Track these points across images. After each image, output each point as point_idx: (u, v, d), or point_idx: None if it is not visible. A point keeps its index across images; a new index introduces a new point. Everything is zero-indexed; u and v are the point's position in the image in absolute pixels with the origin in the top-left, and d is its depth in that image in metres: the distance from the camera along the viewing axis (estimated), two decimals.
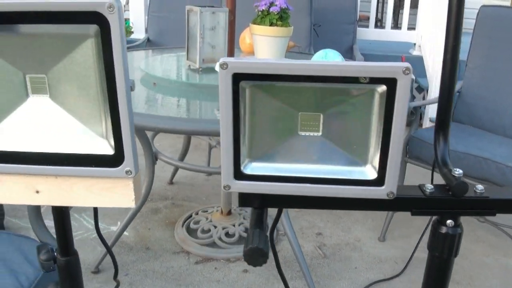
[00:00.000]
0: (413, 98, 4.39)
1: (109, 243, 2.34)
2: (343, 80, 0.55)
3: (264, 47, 2.19)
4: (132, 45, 3.88)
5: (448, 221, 0.65)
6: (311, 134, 0.59)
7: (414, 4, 4.62)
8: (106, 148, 0.62)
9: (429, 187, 0.66)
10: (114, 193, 0.65)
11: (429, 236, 0.71)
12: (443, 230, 0.66)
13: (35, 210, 1.57)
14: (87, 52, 0.58)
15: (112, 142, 0.61)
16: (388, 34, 4.74)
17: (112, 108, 0.59)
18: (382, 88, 0.55)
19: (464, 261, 2.38)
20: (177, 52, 2.62)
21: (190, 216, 2.65)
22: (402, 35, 4.69)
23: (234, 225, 2.51)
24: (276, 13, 2.12)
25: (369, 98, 0.57)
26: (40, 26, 0.58)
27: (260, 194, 0.63)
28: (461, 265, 2.35)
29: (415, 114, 2.40)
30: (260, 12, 2.17)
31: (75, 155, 0.63)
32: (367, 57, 4.46)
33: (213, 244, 2.41)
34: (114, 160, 0.62)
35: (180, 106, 1.76)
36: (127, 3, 5.30)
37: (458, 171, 0.64)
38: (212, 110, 1.76)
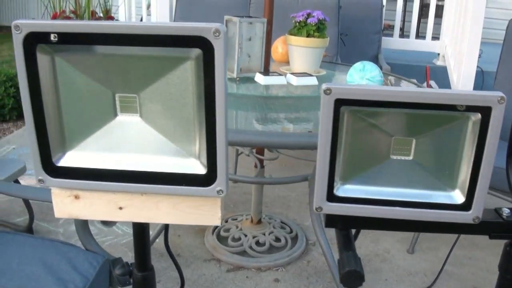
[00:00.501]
0: None
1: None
2: (439, 107, 0.56)
3: (300, 57, 2.21)
4: None
5: None
6: (403, 158, 0.61)
7: (438, 14, 4.62)
8: (198, 167, 0.64)
9: (505, 211, 0.67)
10: (201, 210, 0.67)
11: (500, 257, 0.72)
12: None
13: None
14: (185, 74, 0.60)
15: (205, 162, 0.63)
16: (412, 43, 4.74)
17: (208, 128, 0.60)
18: (477, 116, 0.56)
19: (493, 276, 2.37)
20: None
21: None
22: (426, 45, 4.68)
23: (264, 234, 2.53)
24: (313, 24, 2.14)
25: (462, 125, 0.58)
26: (139, 48, 0.60)
27: (346, 215, 0.64)
28: (489, 279, 2.35)
29: None
30: (297, 23, 2.19)
31: (164, 174, 0.65)
32: (392, 66, 4.47)
33: (243, 253, 2.42)
34: (206, 180, 0.63)
35: None
36: (148, 7, 5.36)
37: None
38: (248, 119, 1.77)
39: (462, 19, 3.78)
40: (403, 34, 6.00)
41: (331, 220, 0.64)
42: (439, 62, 4.50)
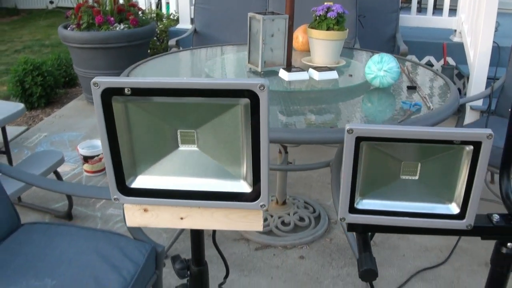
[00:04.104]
0: (454, 84, 4.46)
1: (176, 232, 2.55)
2: (440, 142, 0.71)
3: (321, 49, 2.34)
4: (182, 37, 4.05)
5: (509, 244, 0.81)
6: (410, 177, 0.75)
7: None
8: (245, 187, 0.79)
9: (496, 217, 0.82)
10: (247, 219, 0.83)
11: (492, 253, 0.87)
12: (504, 250, 0.82)
13: None
14: (235, 116, 0.75)
15: (251, 182, 0.78)
16: (429, 20, 4.79)
17: (254, 157, 0.76)
18: (470, 147, 0.71)
19: None
20: (230, 52, 2.79)
21: None
22: (443, 21, 4.73)
23: (289, 214, 2.70)
24: (333, 18, 2.26)
25: (459, 153, 0.72)
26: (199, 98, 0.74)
27: (364, 224, 0.79)
28: None
29: (461, 111, 2.51)
30: (317, 17, 2.31)
31: (217, 193, 0.81)
32: (409, 44, 4.54)
33: (270, 232, 2.60)
34: (251, 197, 0.79)
35: None
36: None
37: None
38: (273, 112, 1.91)
39: None
40: (421, 7, 6.01)
41: (352, 227, 0.80)
42: (455, 39, 4.56)
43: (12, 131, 3.91)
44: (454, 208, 0.76)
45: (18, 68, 4.40)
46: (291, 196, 2.89)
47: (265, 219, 2.67)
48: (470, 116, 3.99)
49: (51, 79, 4.55)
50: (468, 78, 4.09)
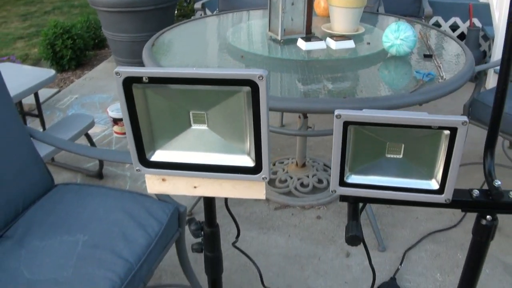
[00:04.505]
0: (479, 46, 4.43)
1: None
2: (420, 127, 0.79)
3: (340, 17, 2.39)
4: (206, 0, 4.10)
5: (488, 216, 0.91)
6: (395, 156, 0.85)
7: None
8: (248, 161, 0.90)
9: (475, 192, 0.91)
10: (251, 189, 0.94)
11: (473, 225, 0.96)
12: (484, 222, 0.91)
13: None
14: (239, 101, 0.85)
15: (254, 157, 0.89)
16: None
17: (256, 135, 0.86)
18: (447, 132, 0.79)
19: None
20: (255, 17, 2.85)
21: None
22: None
23: (308, 176, 2.81)
24: None
25: (438, 136, 0.81)
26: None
27: (353, 196, 0.89)
28: None
29: (478, 78, 2.54)
30: None
31: (225, 166, 0.92)
32: (434, 5, 4.50)
33: (289, 193, 2.72)
34: (254, 170, 0.90)
35: None
36: None
37: (498, 183, 0.88)
38: (292, 80, 2.00)
39: None
40: None
41: (344, 198, 0.90)
42: (482, 0, 4.50)
43: (44, 93, 4.08)
44: (434, 184, 0.85)
45: (49, 31, 4.53)
46: (311, 158, 3.00)
47: (285, 181, 2.79)
48: (493, 80, 3.99)
49: (81, 42, 4.69)
50: (493, 40, 4.06)
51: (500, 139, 3.22)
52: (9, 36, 5.86)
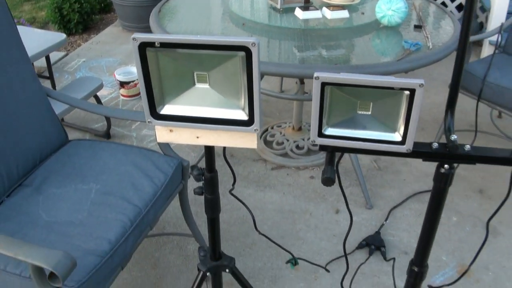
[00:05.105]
0: (476, 17, 4.54)
1: (202, 152, 2.88)
2: (384, 88, 0.96)
3: None
4: None
5: (446, 166, 1.08)
6: (365, 112, 1.01)
7: None
8: (243, 115, 1.06)
9: (435, 145, 1.07)
10: (245, 139, 1.11)
11: (434, 173, 1.13)
12: (442, 170, 1.08)
13: None
14: (235, 64, 1.01)
15: (247, 112, 1.06)
16: None
17: (249, 93, 1.02)
18: (407, 92, 0.96)
19: (499, 180, 2.76)
20: None
21: (266, 130, 3.14)
22: None
23: (303, 139, 2.98)
24: None
25: (400, 96, 0.97)
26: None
27: (330, 145, 1.06)
28: (495, 183, 2.74)
29: (469, 49, 2.67)
30: None
31: (223, 119, 1.08)
32: None
33: (285, 155, 2.90)
34: (247, 123, 1.06)
35: (263, 47, 2.17)
36: None
37: (454, 137, 1.05)
38: (290, 47, 2.15)
39: None
40: None
41: (322, 147, 1.07)
42: None
43: (52, 56, 4.19)
44: (397, 137, 1.02)
45: None
46: (307, 123, 3.16)
47: (282, 143, 2.97)
48: (488, 51, 4.12)
49: (87, 6, 4.80)
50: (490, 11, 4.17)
51: (488, 109, 3.37)
52: None
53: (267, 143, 3.01)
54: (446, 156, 1.08)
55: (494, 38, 3.95)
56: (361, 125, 1.03)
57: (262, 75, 2.34)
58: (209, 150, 1.24)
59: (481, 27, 4.59)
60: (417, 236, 2.34)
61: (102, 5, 5.34)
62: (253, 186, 2.67)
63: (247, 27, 2.33)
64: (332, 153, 1.08)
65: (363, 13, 2.49)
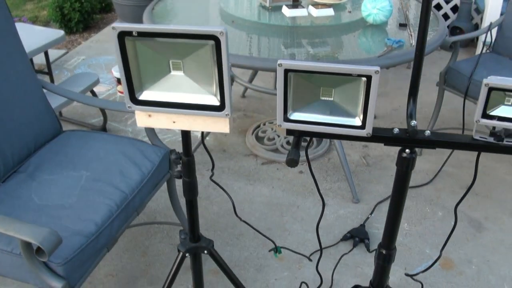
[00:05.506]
0: (471, 18, 4.60)
1: (194, 145, 2.96)
2: (343, 74, 1.03)
3: None
4: None
5: (407, 150, 1.15)
6: (328, 98, 1.09)
7: None
8: (215, 101, 1.14)
9: (395, 130, 1.14)
10: (218, 123, 1.18)
11: (396, 158, 1.20)
12: (404, 155, 1.15)
13: None
14: (206, 52, 1.08)
15: (219, 98, 1.13)
16: None
17: (220, 80, 1.10)
18: (364, 78, 1.03)
19: (486, 177, 2.82)
20: None
21: (259, 126, 3.22)
22: None
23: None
24: None
25: (358, 82, 1.05)
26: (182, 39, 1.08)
27: (296, 129, 1.14)
28: (482, 179, 2.80)
29: (453, 48, 2.75)
30: None
31: (197, 105, 1.16)
32: None
33: (276, 150, 2.97)
34: (219, 108, 1.14)
35: (252, 44, 2.25)
36: None
37: (413, 123, 1.12)
38: (277, 44, 2.23)
39: None
40: None
41: (290, 132, 1.14)
42: None
43: (53, 54, 4.31)
44: (357, 121, 1.09)
45: None
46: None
47: (273, 139, 3.04)
48: (479, 50, 4.19)
49: (88, 5, 4.89)
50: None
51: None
52: None
53: (259, 139, 3.09)
54: (406, 141, 1.15)
55: (488, 38, 4.02)
56: (325, 111, 1.10)
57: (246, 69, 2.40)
58: (185, 135, 1.31)
59: (476, 28, 4.66)
60: (402, 230, 2.41)
61: (103, 4, 5.43)
62: (243, 180, 2.75)
63: (237, 24, 2.40)
64: (299, 138, 1.16)
65: (350, 12, 2.57)
